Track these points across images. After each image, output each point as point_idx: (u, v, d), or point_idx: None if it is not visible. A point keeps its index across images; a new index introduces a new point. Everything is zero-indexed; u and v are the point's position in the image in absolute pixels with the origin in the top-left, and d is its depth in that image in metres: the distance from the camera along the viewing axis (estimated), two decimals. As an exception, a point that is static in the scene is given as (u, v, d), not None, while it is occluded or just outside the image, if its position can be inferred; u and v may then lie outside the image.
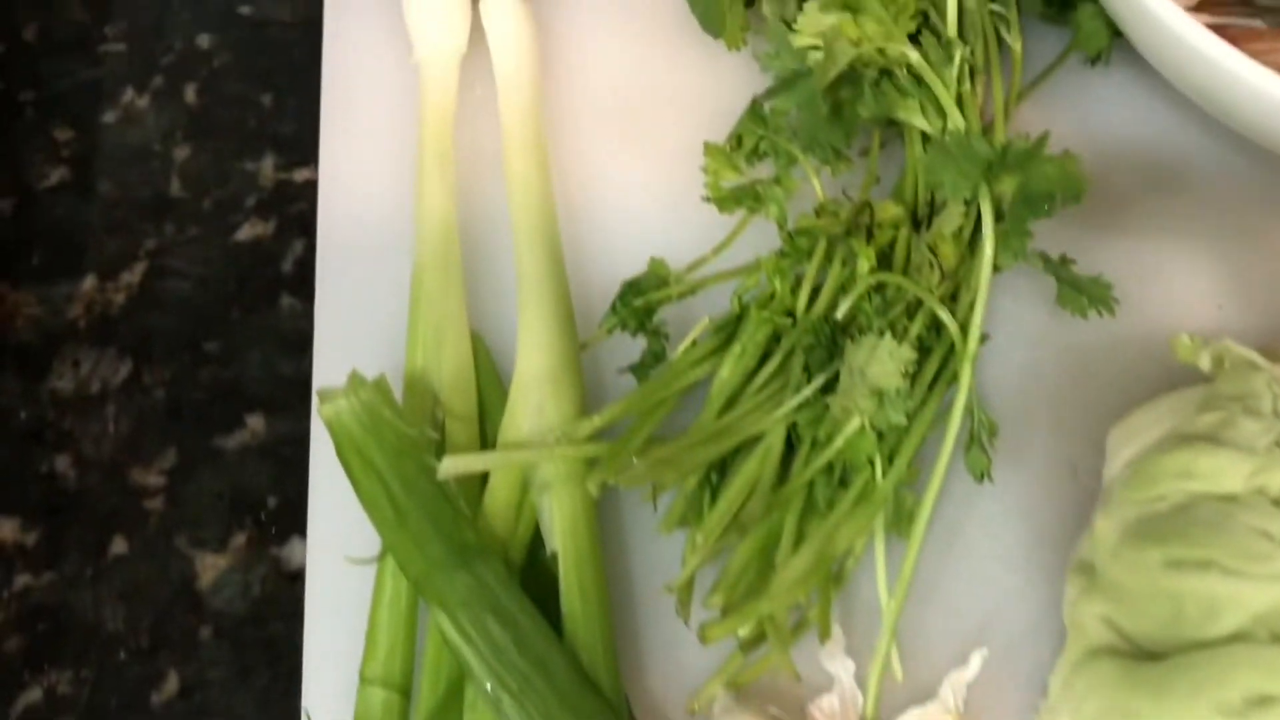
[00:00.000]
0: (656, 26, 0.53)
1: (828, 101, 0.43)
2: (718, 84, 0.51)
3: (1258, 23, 0.47)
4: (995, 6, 0.47)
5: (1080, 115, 0.50)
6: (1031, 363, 0.46)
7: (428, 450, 0.42)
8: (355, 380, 0.42)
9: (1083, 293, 0.44)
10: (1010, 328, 0.46)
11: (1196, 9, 0.47)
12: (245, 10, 0.56)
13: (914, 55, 0.42)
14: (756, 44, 0.50)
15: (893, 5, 0.44)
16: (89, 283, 0.51)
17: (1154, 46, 0.42)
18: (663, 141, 0.51)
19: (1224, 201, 0.48)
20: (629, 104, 0.52)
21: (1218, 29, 0.44)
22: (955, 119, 0.42)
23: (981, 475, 0.43)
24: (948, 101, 0.43)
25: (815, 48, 0.45)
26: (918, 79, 0.44)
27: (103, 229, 0.52)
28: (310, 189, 0.52)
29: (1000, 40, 0.48)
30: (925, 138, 0.45)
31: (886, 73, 0.44)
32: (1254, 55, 0.42)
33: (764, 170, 0.48)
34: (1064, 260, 0.45)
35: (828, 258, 0.45)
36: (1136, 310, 0.46)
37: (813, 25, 0.45)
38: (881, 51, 0.43)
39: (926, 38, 0.44)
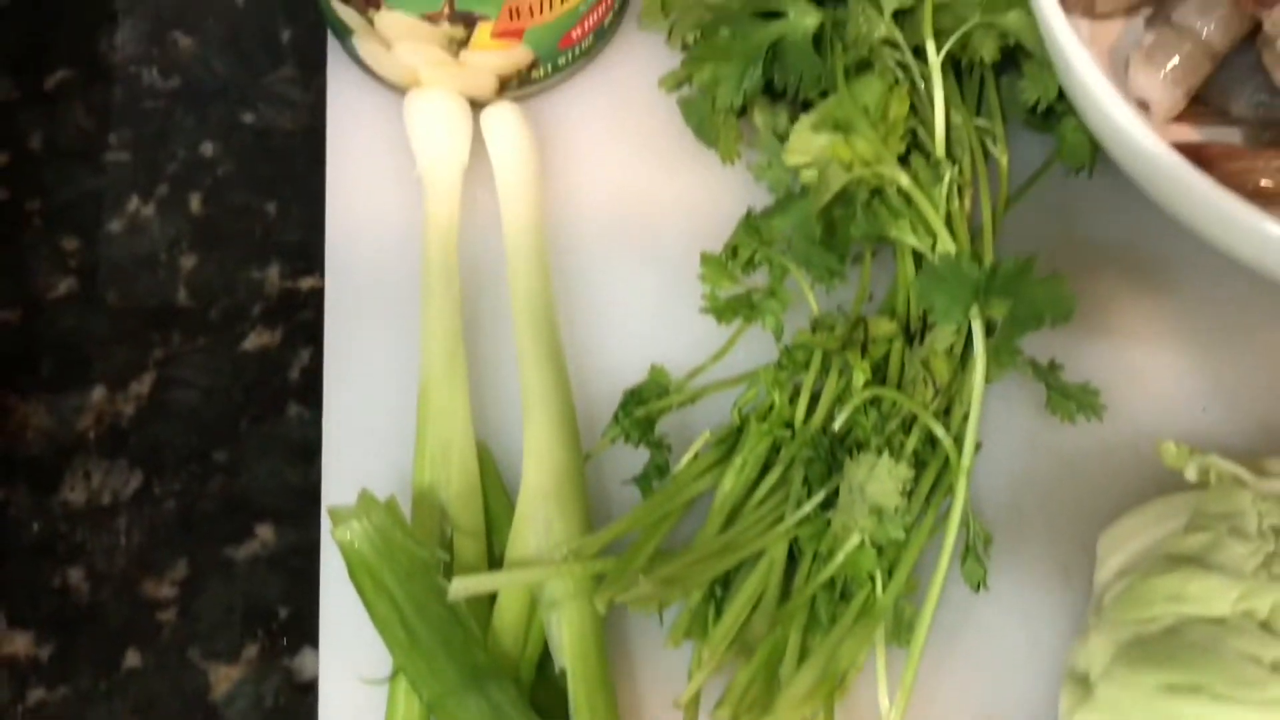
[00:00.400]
0: (654, 136, 0.54)
1: (821, 222, 0.45)
2: (714, 191, 0.53)
3: (1235, 133, 0.48)
4: (980, 121, 0.48)
5: (1066, 218, 0.52)
6: (1022, 467, 0.47)
7: (438, 571, 0.43)
8: (366, 500, 0.43)
9: (1071, 399, 0.46)
10: (1001, 433, 0.48)
11: (1178, 119, 0.48)
12: (248, 118, 0.57)
13: (904, 179, 0.44)
14: (750, 154, 0.52)
15: (882, 125, 0.46)
16: (98, 393, 0.52)
17: (1132, 167, 0.43)
18: (661, 248, 0.52)
19: (1208, 304, 0.50)
20: (628, 212, 0.53)
21: (1196, 148, 0.45)
22: (945, 242, 0.44)
23: (978, 585, 0.44)
24: (937, 224, 0.44)
25: (807, 166, 0.46)
26: (908, 197, 0.45)
27: (111, 339, 0.53)
28: (316, 297, 0.53)
29: (986, 152, 0.49)
30: (917, 252, 0.46)
31: (877, 191, 0.46)
32: (1231, 176, 0.44)
33: (761, 276, 0.50)
34: (1052, 366, 0.46)
35: (824, 368, 0.46)
36: (1124, 413, 0.48)
37: (804, 144, 0.46)
38: (873, 173, 0.44)
39: (916, 158, 0.46)
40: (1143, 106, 0.48)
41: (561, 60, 0.54)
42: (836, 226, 0.45)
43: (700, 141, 0.53)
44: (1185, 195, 0.41)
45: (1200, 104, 0.48)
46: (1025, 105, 0.48)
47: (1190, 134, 0.48)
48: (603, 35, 0.55)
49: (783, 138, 0.49)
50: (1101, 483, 0.47)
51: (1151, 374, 0.49)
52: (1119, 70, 0.49)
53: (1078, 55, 0.42)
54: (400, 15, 0.50)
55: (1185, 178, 0.40)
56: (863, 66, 0.47)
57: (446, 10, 0.49)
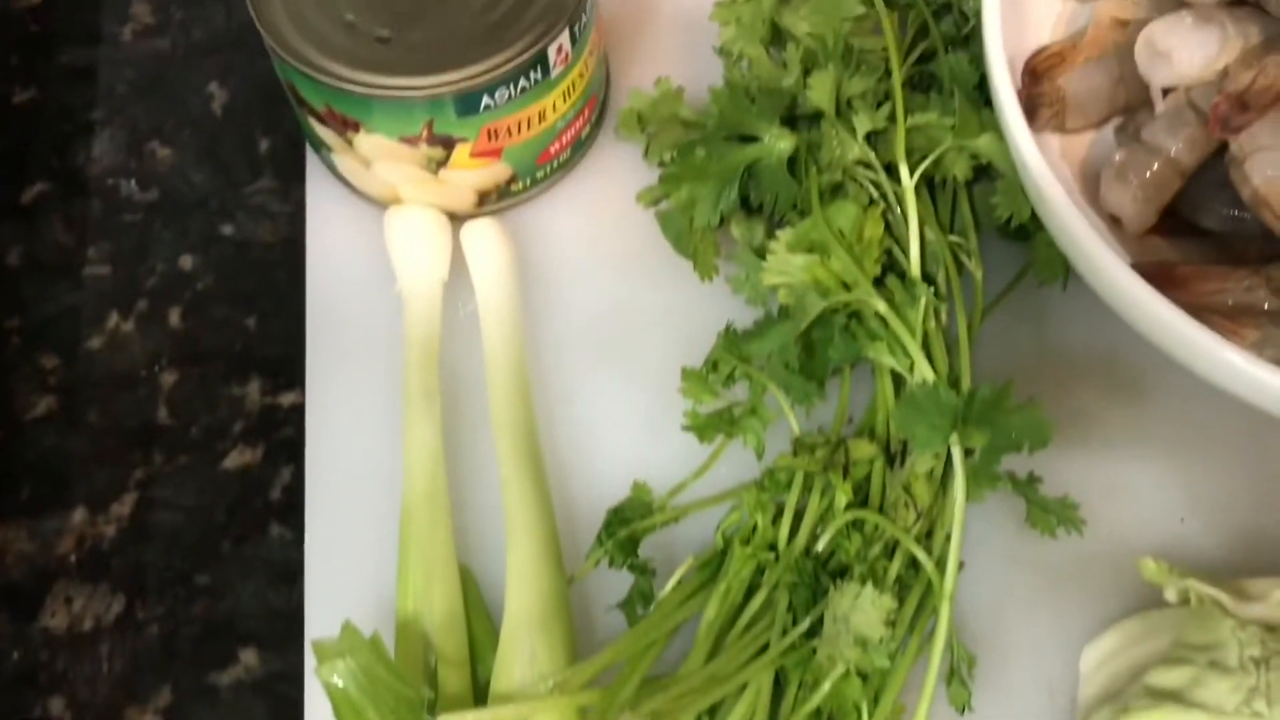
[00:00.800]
0: (632, 244, 0.55)
1: (799, 344, 0.45)
2: (694, 301, 0.53)
3: (1208, 243, 0.49)
4: (954, 237, 0.49)
5: (1040, 328, 0.52)
6: (1004, 582, 0.48)
7: (424, 708, 0.42)
8: (350, 634, 0.43)
9: (1051, 513, 0.46)
10: (981, 547, 0.48)
11: (1150, 231, 0.49)
12: (227, 230, 0.58)
13: (881, 306, 0.44)
14: (728, 266, 0.52)
15: (858, 245, 0.46)
16: (79, 515, 0.52)
17: (1103, 293, 0.44)
18: (642, 360, 0.52)
19: (1185, 413, 0.50)
20: (608, 325, 0.53)
21: (1168, 269, 0.46)
22: (922, 367, 0.44)
23: (963, 708, 0.44)
24: (914, 350, 0.44)
25: (784, 286, 0.47)
26: (885, 320, 0.45)
27: (91, 459, 0.53)
28: (297, 413, 0.53)
29: (960, 264, 0.50)
30: (895, 372, 0.46)
31: (855, 314, 0.46)
32: (1204, 296, 0.45)
33: (741, 389, 0.50)
34: (1031, 479, 0.47)
35: (806, 487, 0.46)
36: (1104, 525, 0.48)
37: (781, 265, 0.47)
38: (851, 299, 0.45)
39: (892, 279, 0.46)
40: (1115, 221, 0.48)
41: (540, 174, 0.54)
42: (815, 349, 0.46)
43: (678, 253, 0.53)
44: (1154, 324, 0.41)
45: (1172, 216, 0.49)
46: (998, 221, 0.49)
47: (1162, 246, 0.49)
48: (580, 147, 0.55)
49: (759, 251, 0.50)
50: (1083, 597, 0.47)
51: (1130, 485, 0.49)
52: (1091, 182, 0.50)
53: (1050, 185, 0.43)
54: (379, 138, 0.50)
55: (1154, 308, 0.41)
56: (837, 188, 0.47)
57: (425, 134, 0.50)
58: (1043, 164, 0.43)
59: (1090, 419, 0.50)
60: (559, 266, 0.55)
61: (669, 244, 0.53)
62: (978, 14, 0.52)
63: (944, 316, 0.48)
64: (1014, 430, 0.42)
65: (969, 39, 0.53)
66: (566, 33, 0.49)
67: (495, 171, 0.53)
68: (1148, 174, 0.47)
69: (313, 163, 0.57)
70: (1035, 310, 0.52)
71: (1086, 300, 0.51)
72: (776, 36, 0.53)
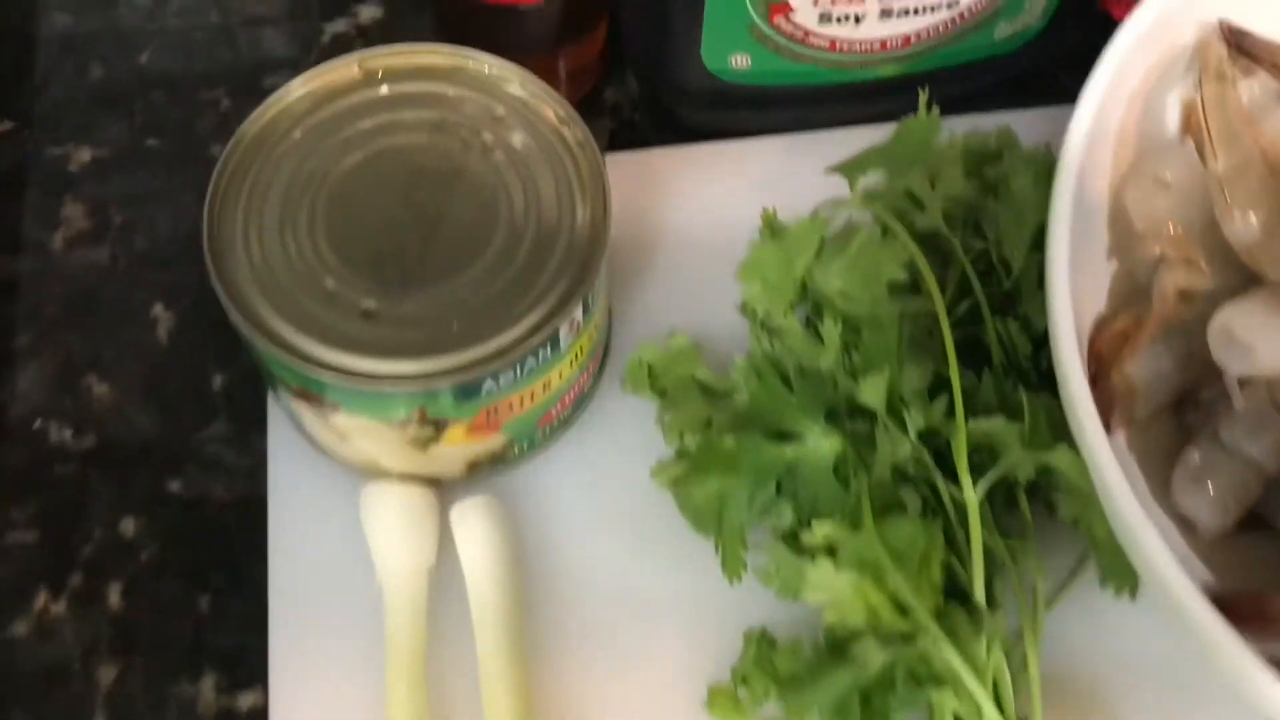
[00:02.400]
0: (641, 517, 0.48)
1: (858, 696, 0.40)
2: (714, 590, 0.47)
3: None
4: (1013, 540, 0.44)
5: (1096, 625, 0.47)
6: None
7: None
8: None
9: None
10: None
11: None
12: (174, 487, 0.50)
13: (955, 659, 0.39)
14: (754, 556, 0.46)
15: (913, 557, 0.41)
16: None
17: (1179, 626, 0.39)
18: (658, 662, 0.46)
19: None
20: (620, 616, 0.47)
21: (1258, 602, 0.41)
22: (991, 716, 0.39)
23: None
24: (984, 700, 0.39)
25: (829, 605, 0.41)
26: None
27: (15, 779, 0.46)
28: (258, 718, 0.46)
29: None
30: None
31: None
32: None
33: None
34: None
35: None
36: None
37: (826, 582, 0.41)
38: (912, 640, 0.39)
39: (953, 610, 0.41)
40: (1187, 524, 0.44)
41: (539, 436, 0.48)
42: (872, 697, 0.40)
43: (698, 533, 0.47)
44: (1241, 681, 0.37)
45: (1250, 515, 0.44)
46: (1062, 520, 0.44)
47: (1235, 546, 0.44)
48: (583, 402, 0.50)
49: (787, 537, 0.44)
50: None
51: (1206, 817, 0.44)
52: (1157, 470, 0.45)
53: (1142, 527, 0.38)
54: (362, 420, 0.44)
55: (1247, 669, 0.36)
56: (890, 501, 0.42)
57: (416, 417, 0.43)
58: (1134, 504, 0.38)
59: (1158, 732, 0.45)
60: (559, 541, 0.48)
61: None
62: (1026, 272, 0.48)
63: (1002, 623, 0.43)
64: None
65: (1013, 296, 0.48)
66: (580, 305, 0.43)
67: (490, 442, 0.46)
68: (1227, 479, 0.43)
69: (275, 409, 0.50)
70: (1090, 606, 0.47)
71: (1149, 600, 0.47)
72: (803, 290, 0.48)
